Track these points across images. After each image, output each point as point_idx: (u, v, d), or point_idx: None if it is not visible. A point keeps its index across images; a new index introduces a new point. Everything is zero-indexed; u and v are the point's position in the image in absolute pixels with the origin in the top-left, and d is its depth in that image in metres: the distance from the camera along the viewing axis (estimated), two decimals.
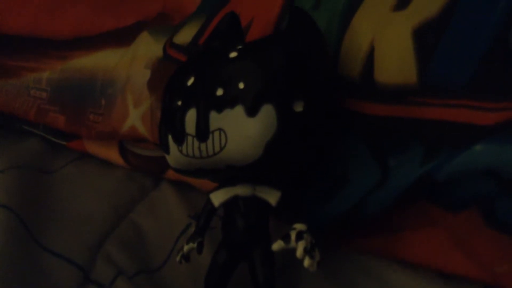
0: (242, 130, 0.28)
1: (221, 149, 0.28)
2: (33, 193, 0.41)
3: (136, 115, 0.43)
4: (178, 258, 0.31)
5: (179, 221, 0.39)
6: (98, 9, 0.52)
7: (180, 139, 0.29)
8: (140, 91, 0.43)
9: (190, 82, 0.30)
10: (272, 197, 0.30)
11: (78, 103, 0.47)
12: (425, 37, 0.32)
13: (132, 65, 0.45)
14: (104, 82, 0.46)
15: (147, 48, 0.44)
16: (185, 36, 0.43)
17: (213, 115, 0.28)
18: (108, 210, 0.41)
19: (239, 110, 0.28)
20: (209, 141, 0.28)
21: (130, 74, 0.44)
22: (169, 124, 0.30)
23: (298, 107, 0.28)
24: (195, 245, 0.30)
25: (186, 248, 0.31)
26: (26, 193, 0.40)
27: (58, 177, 0.46)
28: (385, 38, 0.33)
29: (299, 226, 0.29)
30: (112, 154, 0.47)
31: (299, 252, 0.28)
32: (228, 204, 0.31)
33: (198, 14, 0.44)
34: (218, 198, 0.31)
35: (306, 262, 0.27)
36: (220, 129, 0.28)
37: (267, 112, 0.27)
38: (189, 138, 0.29)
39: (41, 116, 0.50)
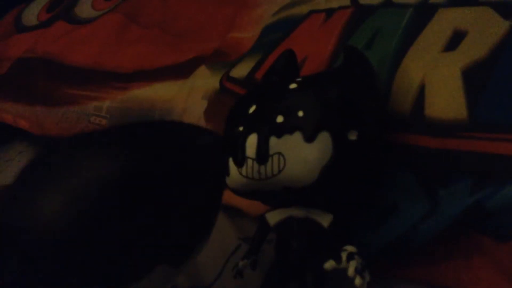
0: (300, 155, 0.30)
1: (279, 171, 0.30)
2: None
3: None
4: (233, 273, 0.33)
5: (229, 243, 0.41)
6: (158, 46, 0.56)
7: (240, 161, 0.32)
8: (197, 119, 0.46)
9: (251, 110, 0.33)
10: (324, 219, 0.32)
11: None
12: (474, 77, 0.34)
13: (189, 96, 0.48)
14: (162, 112, 0.49)
15: (205, 80, 0.48)
16: (241, 70, 0.46)
17: (273, 140, 0.31)
18: None
19: (297, 136, 0.30)
20: (268, 164, 0.30)
21: (188, 104, 0.47)
22: (231, 147, 0.33)
23: (352, 136, 0.30)
24: (249, 261, 0.32)
25: (241, 264, 0.32)
26: None
27: None
28: (436, 77, 0.35)
29: (349, 248, 0.30)
30: None
31: (350, 271, 0.29)
32: (282, 225, 0.33)
33: (253, 51, 0.47)
34: (273, 218, 0.33)
35: (357, 281, 0.29)
36: (279, 153, 0.30)
37: (323, 139, 0.30)
38: (249, 161, 0.31)
39: None
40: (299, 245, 0.32)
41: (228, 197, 0.45)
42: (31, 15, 0.74)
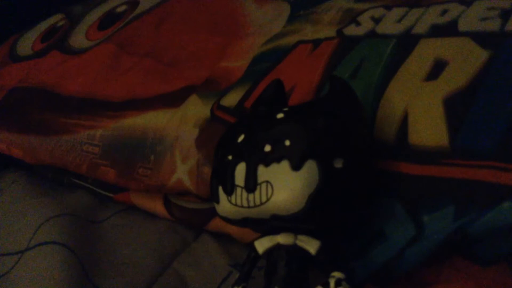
0: (287, 183, 0.31)
1: (268, 199, 0.31)
2: (85, 237, 0.44)
3: (183, 170, 0.46)
4: None
5: (220, 270, 0.41)
6: (149, 75, 0.57)
7: (230, 190, 0.32)
8: (188, 148, 0.47)
9: (240, 139, 0.34)
10: (312, 246, 0.32)
11: (128, 158, 0.51)
12: (455, 105, 0.35)
13: (181, 124, 0.49)
14: (154, 140, 0.50)
15: (196, 109, 0.49)
16: (231, 99, 0.47)
17: (261, 168, 0.31)
18: (153, 259, 0.43)
19: (285, 165, 0.31)
20: (257, 192, 0.31)
21: (179, 133, 0.48)
22: (220, 176, 0.33)
23: (338, 164, 0.31)
24: None
25: None
26: (80, 236, 0.43)
27: (105, 226, 0.49)
28: (418, 105, 0.36)
29: (337, 274, 0.31)
30: (157, 206, 0.50)
31: None
32: (270, 252, 0.33)
33: (243, 80, 0.48)
34: (262, 245, 0.33)
35: None
36: (267, 182, 0.31)
37: (310, 167, 0.31)
38: (238, 189, 0.32)
39: (93, 170, 0.53)
40: (287, 272, 0.32)
41: (219, 224, 0.46)
42: (26, 45, 0.75)
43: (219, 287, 0.40)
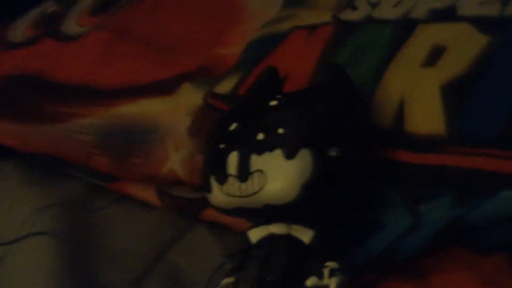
0: (280, 172, 0.30)
1: (260, 189, 0.30)
2: (79, 227, 0.43)
3: (175, 158, 0.46)
4: None
5: (214, 260, 0.41)
6: (143, 62, 0.56)
7: (222, 179, 0.32)
8: (180, 136, 0.46)
9: (232, 127, 0.33)
10: (305, 236, 0.32)
11: (120, 147, 0.50)
12: (452, 92, 0.35)
13: (173, 112, 0.48)
14: (147, 128, 0.49)
15: (188, 97, 0.48)
16: (225, 87, 0.46)
17: (253, 157, 0.31)
18: (147, 248, 0.43)
19: (278, 153, 0.30)
20: (249, 181, 0.31)
21: (172, 121, 0.47)
22: (212, 165, 0.33)
23: (333, 152, 0.31)
24: (232, 280, 0.32)
25: (223, 282, 0.32)
26: (73, 226, 0.42)
27: (99, 215, 0.49)
28: (415, 92, 0.36)
29: (331, 264, 0.30)
30: (150, 195, 0.49)
31: None
32: (263, 242, 0.33)
33: (237, 68, 0.48)
34: (255, 235, 0.33)
35: None
36: (259, 171, 0.30)
37: (304, 156, 0.30)
38: (231, 179, 0.31)
39: (85, 159, 0.53)
40: (280, 262, 0.32)
41: (214, 214, 0.45)
42: (17, 32, 0.74)
43: (212, 277, 0.39)
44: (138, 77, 0.54)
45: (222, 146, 0.33)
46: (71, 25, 0.67)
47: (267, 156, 0.30)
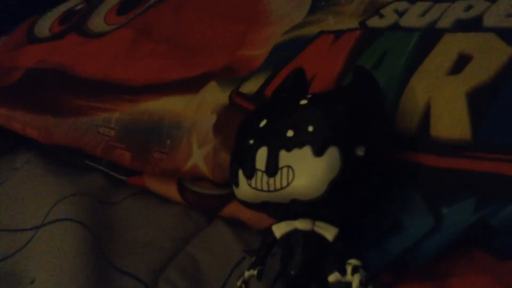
0: (308, 168, 0.31)
1: (288, 184, 0.31)
2: (100, 217, 0.44)
3: (199, 155, 0.46)
4: (239, 283, 0.33)
5: (233, 255, 0.42)
6: (168, 61, 0.57)
7: (250, 173, 0.33)
8: (205, 133, 0.47)
9: (262, 124, 0.34)
10: (329, 233, 0.32)
11: (144, 142, 0.51)
12: (478, 99, 0.35)
13: (198, 110, 0.49)
14: (171, 124, 0.50)
15: (214, 95, 0.49)
16: (251, 86, 0.47)
17: (282, 153, 0.31)
18: (167, 241, 0.44)
19: (307, 150, 0.31)
20: (278, 176, 0.31)
21: (197, 118, 0.48)
22: (241, 160, 0.34)
23: (360, 152, 0.31)
24: (255, 272, 0.33)
25: (247, 274, 0.33)
26: (96, 216, 0.43)
27: (119, 208, 0.50)
28: (441, 98, 0.36)
29: (354, 262, 0.31)
30: (171, 190, 0.50)
31: (355, 284, 0.30)
32: (288, 237, 0.33)
33: (263, 68, 0.49)
34: (279, 229, 0.33)
35: None
36: (288, 166, 0.31)
37: (332, 153, 0.31)
38: (259, 173, 0.32)
39: (108, 152, 0.54)
40: (303, 257, 0.32)
41: (233, 211, 0.46)
42: (44, 27, 0.75)
43: (232, 271, 0.40)
44: (163, 75, 0.55)
45: (251, 141, 0.33)
46: (98, 23, 0.69)
47: (296, 152, 0.31)
